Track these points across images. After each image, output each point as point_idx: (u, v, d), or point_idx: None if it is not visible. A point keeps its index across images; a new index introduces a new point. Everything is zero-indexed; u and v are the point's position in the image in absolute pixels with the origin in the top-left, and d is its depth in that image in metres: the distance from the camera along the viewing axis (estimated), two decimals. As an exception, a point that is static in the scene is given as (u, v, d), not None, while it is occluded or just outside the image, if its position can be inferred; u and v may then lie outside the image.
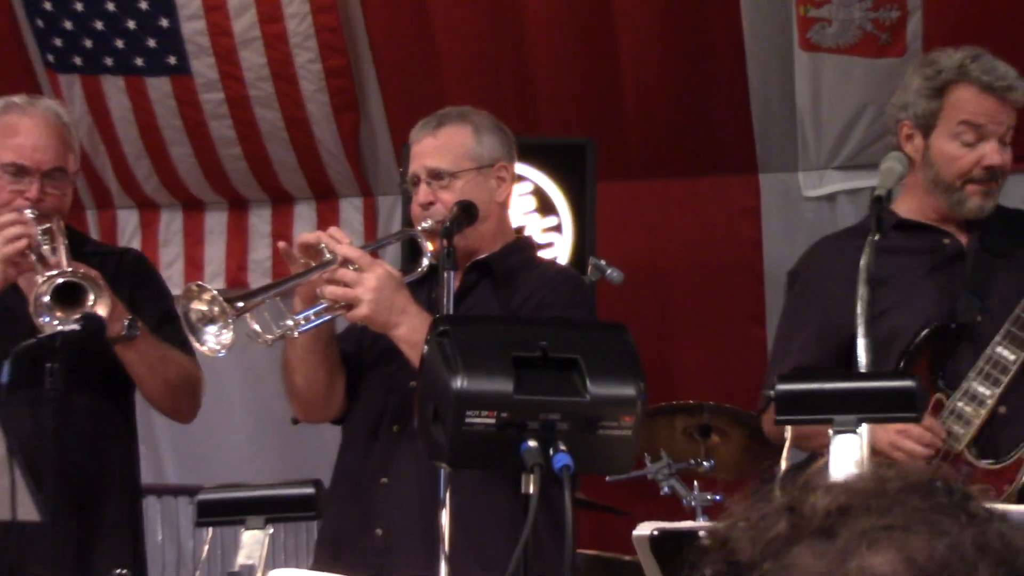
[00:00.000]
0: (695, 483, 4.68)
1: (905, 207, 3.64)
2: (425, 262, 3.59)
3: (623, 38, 5.51)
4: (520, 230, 4.13)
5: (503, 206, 3.68)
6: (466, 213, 3.50)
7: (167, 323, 3.85)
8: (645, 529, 2.76)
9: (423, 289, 3.62)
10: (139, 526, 3.94)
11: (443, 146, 3.60)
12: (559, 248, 5.39)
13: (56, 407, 3.44)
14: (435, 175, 3.59)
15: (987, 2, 5.16)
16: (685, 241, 5.76)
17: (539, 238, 5.36)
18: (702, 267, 5.74)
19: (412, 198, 3.66)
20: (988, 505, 1.11)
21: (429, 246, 3.58)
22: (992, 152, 3.56)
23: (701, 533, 2.79)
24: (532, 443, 2.82)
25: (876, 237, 3.33)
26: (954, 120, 3.56)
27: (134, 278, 3.92)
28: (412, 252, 3.87)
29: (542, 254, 5.36)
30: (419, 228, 3.59)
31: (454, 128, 3.63)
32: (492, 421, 2.86)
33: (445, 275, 3.38)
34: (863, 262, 3.30)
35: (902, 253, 3.57)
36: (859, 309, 3.22)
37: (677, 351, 5.76)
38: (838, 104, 5.47)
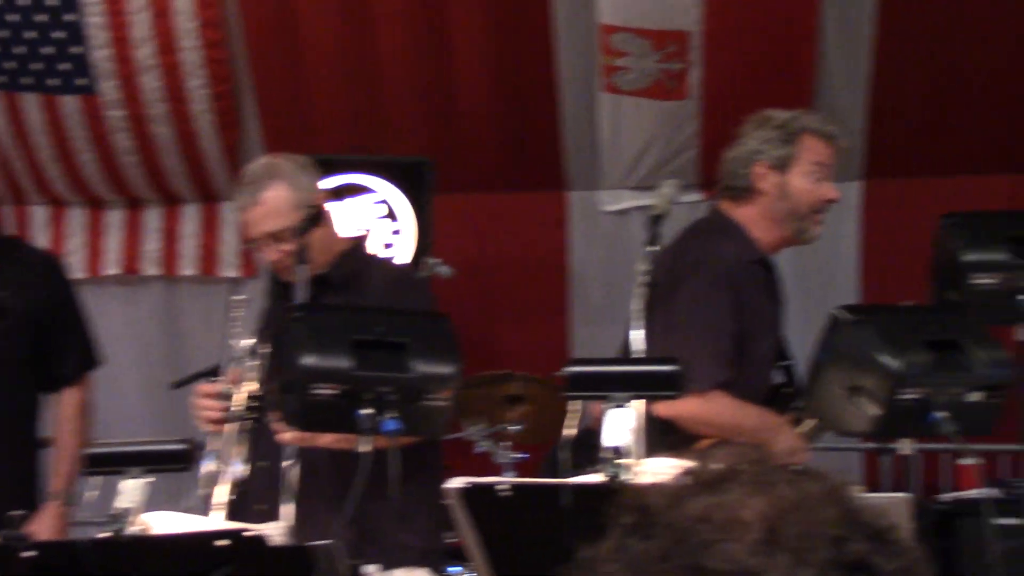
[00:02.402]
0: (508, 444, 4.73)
1: (755, 236, 3.62)
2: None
3: (460, 71, 5.54)
4: (361, 238, 4.03)
5: (328, 225, 3.51)
6: (311, 221, 3.39)
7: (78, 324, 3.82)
8: (458, 483, 2.80)
9: (281, 306, 3.55)
10: (36, 475, 3.86)
11: (271, 211, 3.40)
12: (401, 249, 5.42)
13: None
14: (274, 237, 3.41)
15: (749, 62, 5.28)
16: (506, 245, 5.80)
17: (386, 240, 5.42)
18: (519, 267, 5.79)
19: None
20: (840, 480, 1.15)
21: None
22: (832, 189, 3.63)
23: (504, 486, 2.84)
24: (366, 411, 2.85)
25: (654, 248, 3.39)
26: (809, 162, 3.60)
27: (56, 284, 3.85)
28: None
29: (388, 254, 5.42)
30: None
31: (273, 190, 3.41)
32: (334, 392, 2.89)
33: (298, 268, 3.32)
34: (641, 267, 3.37)
35: (762, 284, 3.60)
36: (633, 305, 3.28)
37: (497, 334, 5.81)
38: (633, 136, 5.56)
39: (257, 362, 3.33)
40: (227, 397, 3.31)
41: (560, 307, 5.72)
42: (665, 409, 3.28)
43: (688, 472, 1.12)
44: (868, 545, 1.06)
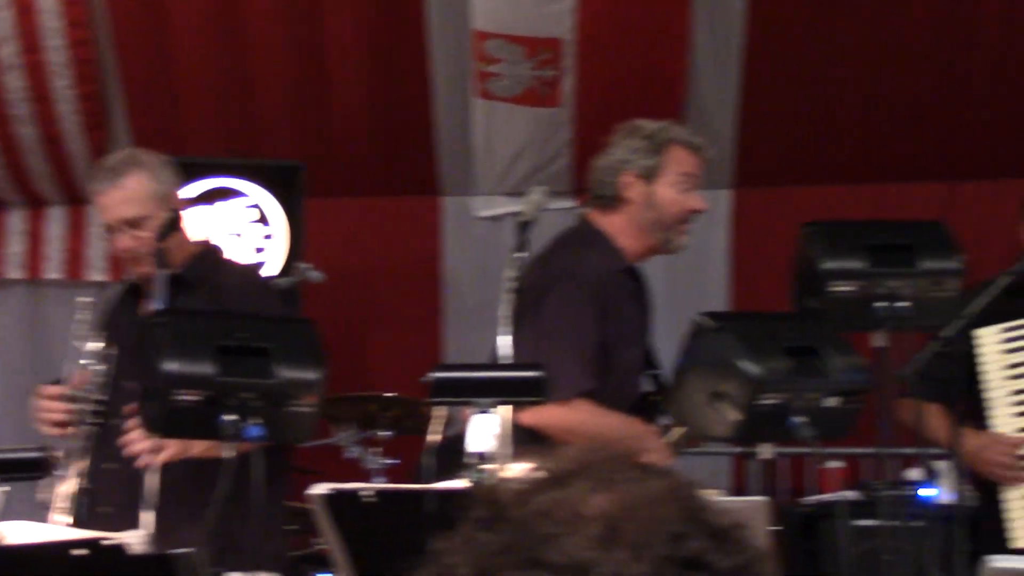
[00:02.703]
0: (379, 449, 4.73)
1: (621, 245, 3.66)
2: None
3: (334, 75, 5.52)
4: (209, 241, 3.98)
5: (181, 228, 3.50)
6: (171, 225, 3.40)
7: None
8: (321, 489, 2.80)
9: (130, 309, 3.52)
10: None
11: (130, 197, 3.42)
12: (273, 253, 5.39)
13: None
14: (130, 223, 3.42)
15: (622, 70, 5.34)
16: (379, 250, 5.79)
17: (257, 244, 5.39)
18: (392, 272, 5.78)
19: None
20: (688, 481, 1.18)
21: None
22: (698, 199, 3.69)
23: (368, 492, 2.84)
24: (229, 417, 2.83)
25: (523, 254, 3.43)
26: (676, 172, 3.64)
27: None
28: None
29: (259, 258, 5.39)
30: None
31: (134, 176, 3.44)
32: (197, 398, 2.87)
33: (158, 273, 3.30)
34: (510, 274, 3.40)
35: (629, 293, 3.64)
36: (501, 312, 3.31)
37: (370, 340, 5.80)
38: (506, 142, 5.58)
39: (103, 365, 3.30)
40: (71, 400, 3.28)
41: (433, 313, 5.73)
42: (529, 417, 3.31)
43: (539, 468, 1.14)
44: (706, 543, 1.08)
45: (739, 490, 5.35)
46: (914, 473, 4.04)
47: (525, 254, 3.49)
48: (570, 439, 3.43)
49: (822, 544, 4.08)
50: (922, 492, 3.79)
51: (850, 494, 4.34)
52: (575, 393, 3.45)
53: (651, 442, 3.50)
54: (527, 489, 1.12)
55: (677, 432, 3.50)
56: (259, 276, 3.75)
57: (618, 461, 1.14)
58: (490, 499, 1.13)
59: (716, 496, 2.96)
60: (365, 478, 4.55)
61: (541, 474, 1.13)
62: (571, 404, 3.45)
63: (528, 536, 1.08)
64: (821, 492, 4.50)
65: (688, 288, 5.57)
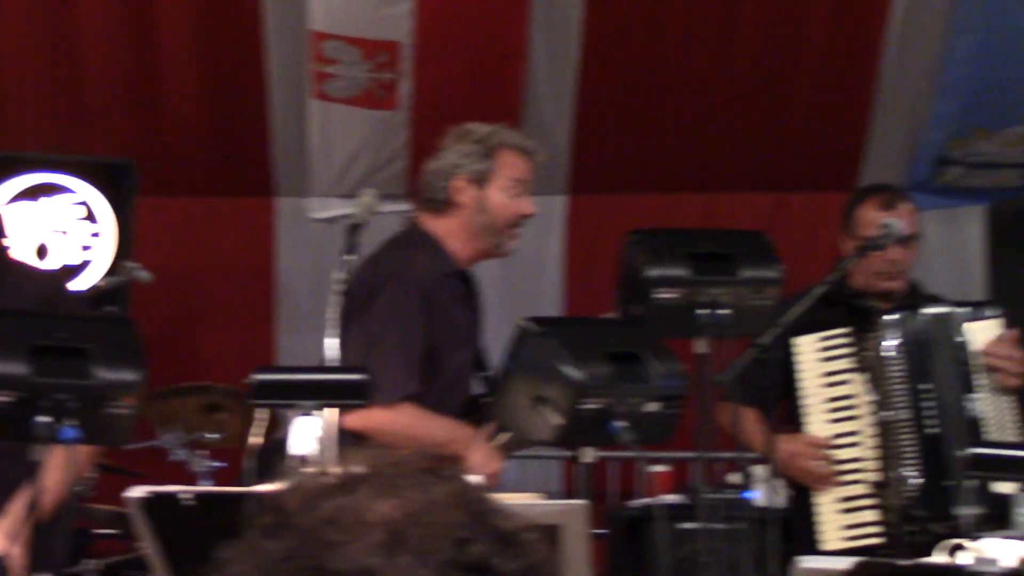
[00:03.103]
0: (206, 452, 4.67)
1: (451, 249, 3.65)
2: None
3: (166, 71, 5.44)
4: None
5: None
6: None
7: None
8: (138, 491, 2.76)
9: None
10: None
11: None
12: (99, 252, 5.30)
13: None
14: None
15: (459, 75, 5.38)
16: (211, 251, 5.71)
17: (85, 242, 5.30)
18: (225, 273, 5.72)
19: None
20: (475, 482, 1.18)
21: None
22: (529, 204, 3.70)
23: (187, 495, 2.82)
24: (43, 418, 2.78)
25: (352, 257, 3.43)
26: (507, 177, 3.65)
27: None
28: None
29: (86, 256, 5.29)
30: None
31: None
32: (10, 399, 2.81)
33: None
34: (339, 276, 3.40)
35: (458, 297, 3.64)
36: (328, 314, 3.31)
37: (201, 341, 5.73)
38: (342, 144, 5.57)
39: None
40: None
41: (266, 315, 5.69)
42: (354, 421, 3.30)
43: (325, 473, 1.15)
44: (491, 547, 1.10)
45: (569, 493, 5.42)
46: (736, 477, 4.16)
47: (355, 257, 3.49)
48: (394, 443, 3.43)
49: (646, 546, 4.17)
50: (743, 495, 3.91)
51: (673, 497, 4.45)
52: (401, 396, 3.46)
53: (477, 446, 3.52)
54: (313, 496, 1.12)
55: (504, 435, 3.54)
56: (61, 279, 3.62)
57: (405, 466, 1.14)
58: (275, 506, 1.12)
59: (536, 500, 3.01)
60: (192, 481, 4.49)
61: (328, 480, 1.13)
62: (396, 408, 3.45)
63: (313, 543, 1.09)
64: (649, 496, 4.59)
65: (523, 293, 5.62)
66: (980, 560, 2.50)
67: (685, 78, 5.51)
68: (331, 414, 2.95)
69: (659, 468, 4.87)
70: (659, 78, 5.52)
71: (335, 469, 1.15)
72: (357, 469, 1.14)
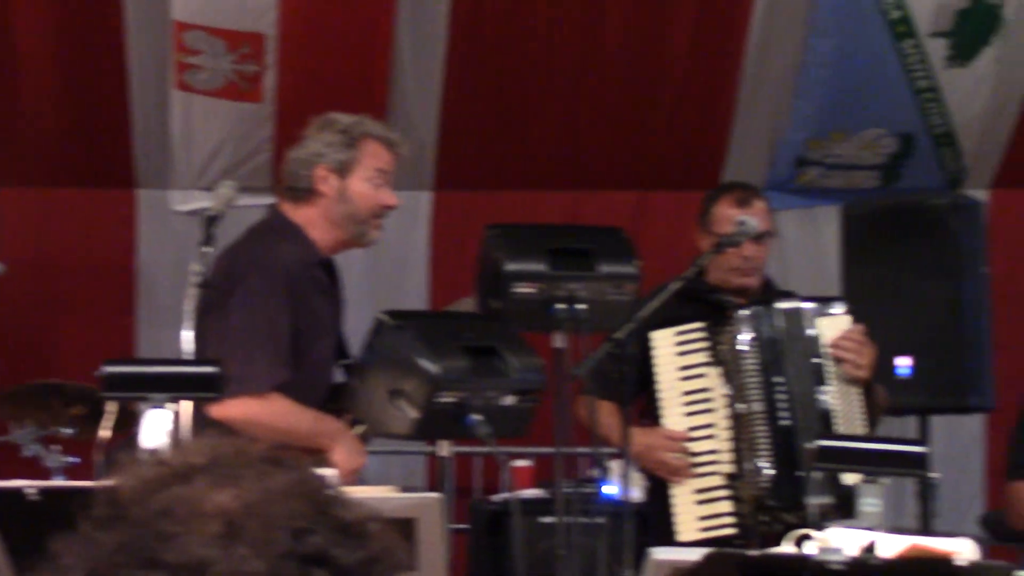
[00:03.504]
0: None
1: (313, 238, 3.62)
2: None
3: (24, 60, 5.32)
4: None
5: None
6: None
7: None
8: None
9: None
10: None
11: None
12: (-49, 242, 5.18)
13: None
14: None
15: (325, 68, 5.36)
16: (71, 243, 5.61)
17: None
18: (84, 266, 5.62)
19: None
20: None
21: None
22: (391, 195, 3.67)
23: (32, 490, 2.77)
24: None
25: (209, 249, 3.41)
26: (370, 167, 3.62)
27: None
28: None
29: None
30: None
31: None
32: None
33: None
34: (196, 268, 3.37)
35: (320, 285, 3.61)
36: (186, 306, 3.28)
37: (59, 334, 5.63)
38: (205, 136, 5.50)
39: None
40: None
41: (127, 308, 5.60)
42: (220, 411, 3.27)
43: (161, 463, 1.13)
44: (330, 537, 1.09)
45: (432, 487, 5.43)
46: (596, 471, 4.20)
47: (212, 249, 3.46)
48: (261, 434, 3.41)
49: (507, 541, 4.21)
50: (603, 489, 3.95)
51: (532, 492, 4.49)
52: (269, 386, 3.43)
53: (342, 437, 3.51)
54: (149, 486, 1.10)
55: (360, 427, 3.54)
56: None
57: (245, 456, 1.13)
58: (110, 497, 1.11)
59: (392, 493, 3.01)
60: (45, 477, 4.41)
61: (164, 470, 1.12)
62: (265, 397, 3.43)
63: (147, 535, 1.07)
64: (513, 490, 4.62)
65: (388, 287, 5.63)
66: (824, 550, 2.56)
67: (551, 76, 5.55)
68: (187, 407, 2.92)
69: (521, 463, 4.91)
70: (525, 76, 5.55)
71: (173, 459, 1.13)
72: (195, 459, 1.13)
